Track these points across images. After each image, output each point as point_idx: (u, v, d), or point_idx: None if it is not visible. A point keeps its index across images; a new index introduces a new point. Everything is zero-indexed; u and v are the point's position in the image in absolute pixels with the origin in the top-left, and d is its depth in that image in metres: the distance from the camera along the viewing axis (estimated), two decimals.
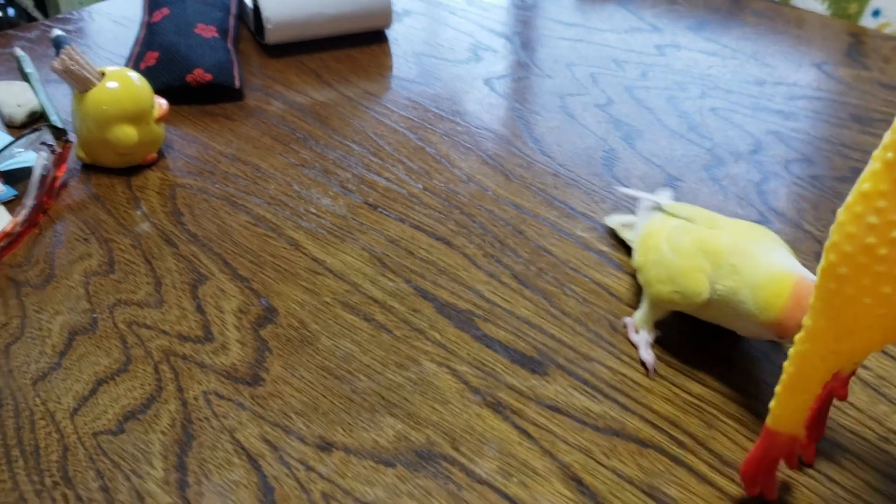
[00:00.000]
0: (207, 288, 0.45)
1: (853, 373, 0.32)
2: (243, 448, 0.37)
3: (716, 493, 0.35)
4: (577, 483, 0.35)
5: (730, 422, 0.38)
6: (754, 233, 0.38)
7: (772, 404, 0.32)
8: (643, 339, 0.40)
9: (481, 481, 0.35)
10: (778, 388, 0.31)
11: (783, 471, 0.35)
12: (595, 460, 0.36)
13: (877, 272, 0.26)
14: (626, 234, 0.47)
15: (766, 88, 0.65)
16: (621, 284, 0.46)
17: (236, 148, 0.58)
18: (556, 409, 0.39)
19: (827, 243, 0.28)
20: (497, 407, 0.39)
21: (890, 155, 0.25)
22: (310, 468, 0.36)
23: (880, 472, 0.35)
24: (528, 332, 0.43)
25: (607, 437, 0.37)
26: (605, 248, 0.48)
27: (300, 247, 0.48)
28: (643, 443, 0.37)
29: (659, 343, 0.41)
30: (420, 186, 0.54)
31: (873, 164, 0.26)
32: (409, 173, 0.55)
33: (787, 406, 0.31)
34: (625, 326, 0.42)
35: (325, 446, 0.37)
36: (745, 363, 0.41)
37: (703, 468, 0.36)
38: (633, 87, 0.65)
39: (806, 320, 0.29)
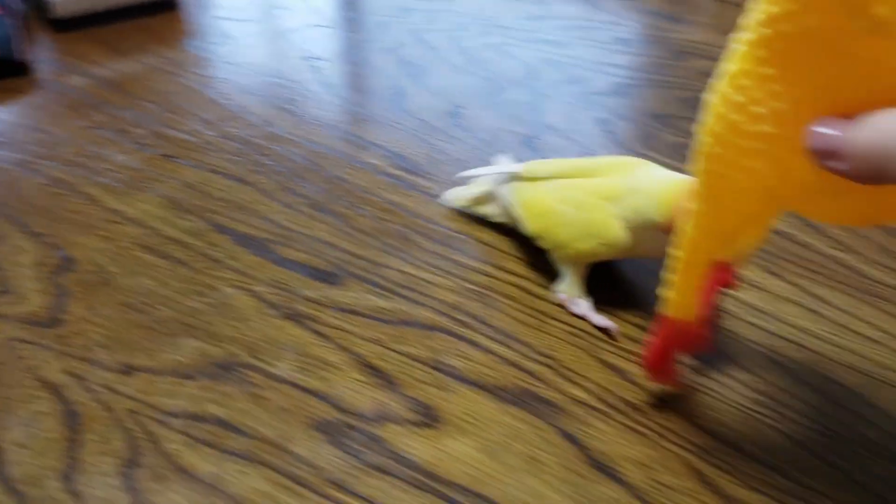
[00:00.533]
0: (2, 248, 0.45)
1: (741, 263, 0.34)
2: (48, 382, 0.38)
3: (494, 359, 0.39)
4: (371, 368, 0.38)
5: (506, 300, 0.42)
6: (632, 162, 0.39)
7: (664, 290, 0.33)
8: (586, 307, 0.40)
9: (281, 380, 0.38)
10: (668, 275, 0.33)
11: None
12: (387, 348, 0.39)
13: (743, 147, 0.27)
14: (484, 210, 0.46)
15: (542, 23, 0.70)
16: (411, 201, 0.49)
17: (30, 118, 0.57)
18: (350, 311, 0.41)
19: (700, 126, 0.29)
20: (295, 317, 0.41)
21: (750, 35, 0.26)
22: (114, 391, 0.37)
23: (783, 370, 0.40)
24: (325, 250, 0.45)
25: (398, 327, 0.40)
26: (396, 172, 0.51)
27: (96, 201, 0.49)
28: (430, 327, 0.40)
29: (448, 245, 0.45)
30: (214, 134, 0.55)
31: (736, 46, 0.27)
32: (205, 124, 0.56)
33: (678, 290, 0.33)
34: (562, 304, 0.41)
35: (128, 370, 0.38)
36: (520, 250, 0.45)
37: (484, 340, 0.40)
38: (419, 31, 0.69)
39: (691, 205, 0.31)
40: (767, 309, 0.41)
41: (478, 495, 0.33)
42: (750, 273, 0.43)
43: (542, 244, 0.42)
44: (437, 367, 0.38)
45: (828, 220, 0.28)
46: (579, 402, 0.37)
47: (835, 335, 0.40)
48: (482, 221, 0.47)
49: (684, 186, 0.34)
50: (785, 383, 0.38)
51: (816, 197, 0.28)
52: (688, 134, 0.31)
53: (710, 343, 0.36)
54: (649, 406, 0.37)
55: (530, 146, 0.54)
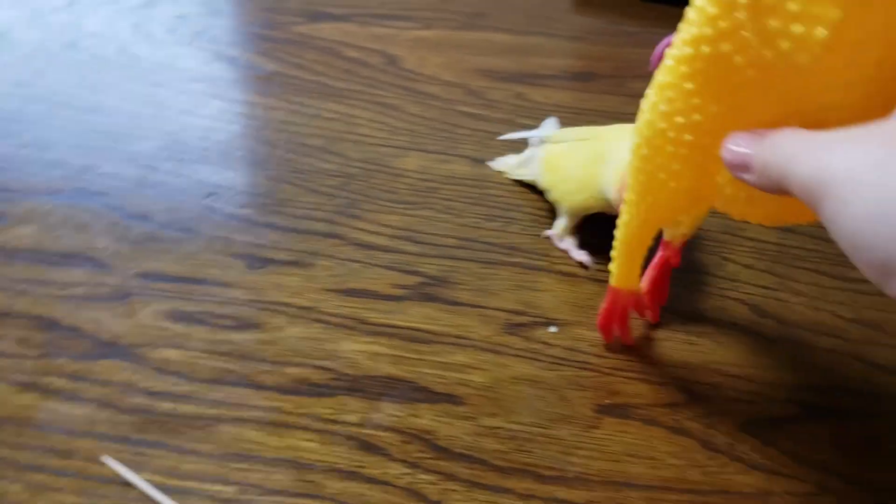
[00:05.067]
0: None
1: (683, 243, 0.39)
2: None
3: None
4: None
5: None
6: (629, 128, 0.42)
7: (610, 266, 0.37)
8: (570, 244, 0.44)
9: None
10: (612, 252, 0.36)
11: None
12: None
13: (668, 152, 0.30)
14: (520, 172, 0.49)
15: None
16: None
17: None
18: None
19: (633, 127, 0.32)
20: None
21: (676, 52, 0.29)
22: None
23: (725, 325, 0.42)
24: None
25: None
26: None
27: None
28: None
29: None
30: None
31: (666, 61, 0.29)
32: None
33: (621, 266, 0.37)
34: (548, 238, 0.45)
35: None
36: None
37: None
38: None
39: (625, 194, 0.34)
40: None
41: None
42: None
43: (550, 197, 0.45)
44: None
45: (743, 219, 0.32)
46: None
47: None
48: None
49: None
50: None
51: (732, 200, 0.31)
52: None
53: (658, 317, 0.40)
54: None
55: None
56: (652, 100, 0.30)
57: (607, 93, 0.59)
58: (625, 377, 0.38)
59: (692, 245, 0.45)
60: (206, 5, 0.68)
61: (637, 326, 0.40)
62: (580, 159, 0.43)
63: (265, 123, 0.54)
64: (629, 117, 0.55)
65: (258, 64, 0.61)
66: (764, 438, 0.35)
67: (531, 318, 0.40)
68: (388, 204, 0.47)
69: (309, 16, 0.69)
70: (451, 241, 0.45)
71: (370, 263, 0.43)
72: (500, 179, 0.50)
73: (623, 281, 0.37)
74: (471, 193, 0.48)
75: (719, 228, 0.46)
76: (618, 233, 0.36)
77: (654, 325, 0.41)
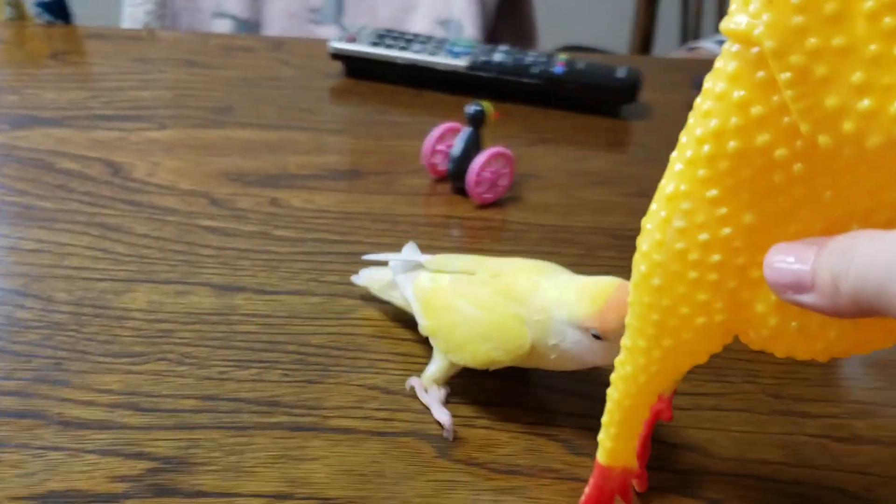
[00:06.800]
0: None
1: (674, 392, 0.30)
2: None
3: None
4: None
5: None
6: (545, 266, 0.35)
7: (601, 437, 0.29)
8: (434, 398, 0.36)
9: None
10: (605, 419, 0.29)
11: None
12: None
13: (690, 279, 0.24)
14: (387, 295, 0.40)
15: None
16: None
17: None
18: None
19: (636, 255, 0.26)
20: None
21: (689, 153, 0.23)
22: None
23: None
24: None
25: None
26: None
27: None
28: None
29: None
30: None
31: (674, 166, 0.24)
32: None
33: (617, 437, 0.29)
34: (412, 389, 0.36)
35: None
36: None
37: None
38: None
39: (624, 341, 0.27)
40: None
41: None
42: None
43: (434, 343, 0.36)
44: None
45: (790, 356, 0.25)
46: None
47: None
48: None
49: (615, 286, 0.31)
50: None
51: (778, 333, 0.24)
52: None
53: (646, 484, 0.32)
54: None
55: None
56: (661, 216, 0.24)
57: (376, 192, 0.52)
58: None
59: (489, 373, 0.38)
60: None
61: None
62: (484, 299, 0.34)
63: None
64: (402, 218, 0.50)
65: None
66: None
67: (300, 502, 0.31)
68: (106, 360, 0.37)
69: (11, 121, 0.57)
70: (189, 404, 0.35)
71: (79, 450, 0.32)
72: (252, 310, 0.40)
73: (617, 457, 0.29)
74: (215, 333, 0.39)
75: None
76: (613, 392, 0.28)
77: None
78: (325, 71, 0.70)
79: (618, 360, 0.28)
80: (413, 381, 0.37)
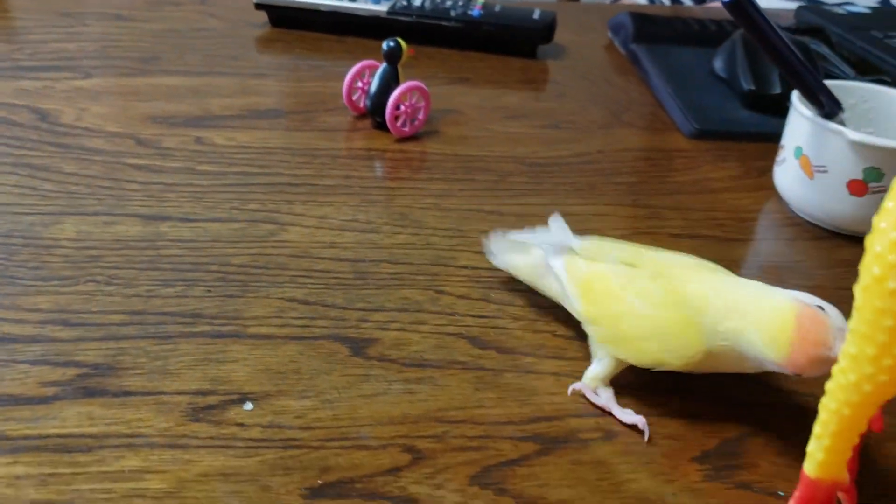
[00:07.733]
0: None
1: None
2: None
3: None
4: None
5: None
6: (708, 267, 0.34)
7: (811, 448, 0.28)
8: (610, 400, 0.34)
9: None
10: (818, 430, 0.27)
11: None
12: None
13: None
14: (542, 284, 0.38)
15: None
16: None
17: None
18: None
19: (866, 257, 0.24)
20: None
21: None
22: None
23: None
24: None
25: None
26: None
27: None
28: None
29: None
30: None
31: None
32: None
33: (831, 449, 0.27)
34: (576, 391, 0.35)
35: None
36: None
37: None
38: None
39: (848, 348, 0.25)
40: None
41: None
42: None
43: (593, 331, 0.35)
44: None
45: None
46: None
47: None
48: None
49: (796, 317, 0.29)
50: None
51: None
52: None
53: (855, 500, 0.30)
54: None
55: None
56: None
57: (296, 129, 0.54)
58: (337, 448, 0.32)
59: (404, 283, 0.41)
60: None
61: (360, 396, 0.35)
62: (655, 297, 0.33)
63: None
64: (322, 152, 0.52)
65: None
66: (497, 488, 0.31)
67: (221, 398, 0.33)
68: (36, 283, 0.38)
69: None
70: (117, 318, 0.37)
71: (10, 361, 0.34)
72: (177, 236, 0.42)
73: (829, 470, 0.27)
74: (142, 257, 0.41)
75: (430, 261, 0.42)
76: (830, 402, 0.27)
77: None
78: (251, 21, 0.72)
79: (837, 368, 0.26)
80: (578, 386, 0.35)
